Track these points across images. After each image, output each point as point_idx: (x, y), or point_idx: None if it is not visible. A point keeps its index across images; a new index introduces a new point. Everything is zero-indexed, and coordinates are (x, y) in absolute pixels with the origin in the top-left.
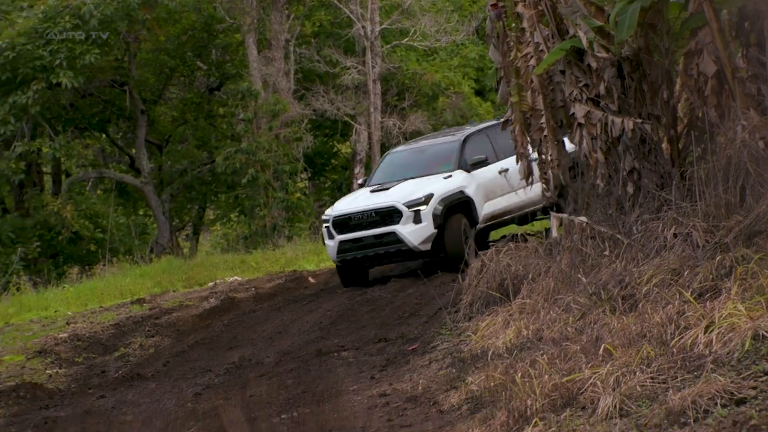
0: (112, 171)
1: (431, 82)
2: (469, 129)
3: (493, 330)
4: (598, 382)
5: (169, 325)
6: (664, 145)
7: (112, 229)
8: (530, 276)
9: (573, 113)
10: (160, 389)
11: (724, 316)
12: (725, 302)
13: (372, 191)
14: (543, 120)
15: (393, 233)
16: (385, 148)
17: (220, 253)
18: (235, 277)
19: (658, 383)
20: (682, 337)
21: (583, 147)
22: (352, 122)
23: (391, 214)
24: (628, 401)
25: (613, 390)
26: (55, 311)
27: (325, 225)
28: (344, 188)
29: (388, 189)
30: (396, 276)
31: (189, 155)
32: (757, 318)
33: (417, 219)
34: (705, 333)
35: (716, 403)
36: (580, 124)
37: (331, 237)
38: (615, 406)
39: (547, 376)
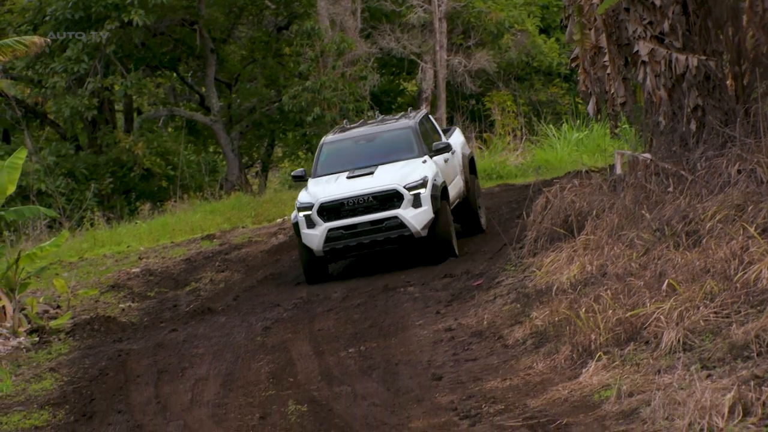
0: (182, 109)
1: (496, 20)
2: (413, 116)
3: (557, 266)
4: (662, 317)
5: (239, 260)
6: (729, 82)
7: (182, 166)
8: (594, 212)
9: (637, 51)
10: (230, 323)
11: None
12: None
13: (349, 177)
14: (606, 58)
15: (395, 218)
16: (450, 86)
17: (289, 189)
18: None
19: (722, 318)
20: (745, 272)
21: (646, 84)
22: (418, 60)
23: (391, 198)
24: (691, 335)
25: (677, 324)
26: (128, 246)
27: (303, 213)
28: None
29: (372, 173)
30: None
31: (257, 93)
32: None
33: (417, 203)
34: None
35: None
36: (644, 62)
37: (311, 225)
38: (678, 340)
39: (611, 311)
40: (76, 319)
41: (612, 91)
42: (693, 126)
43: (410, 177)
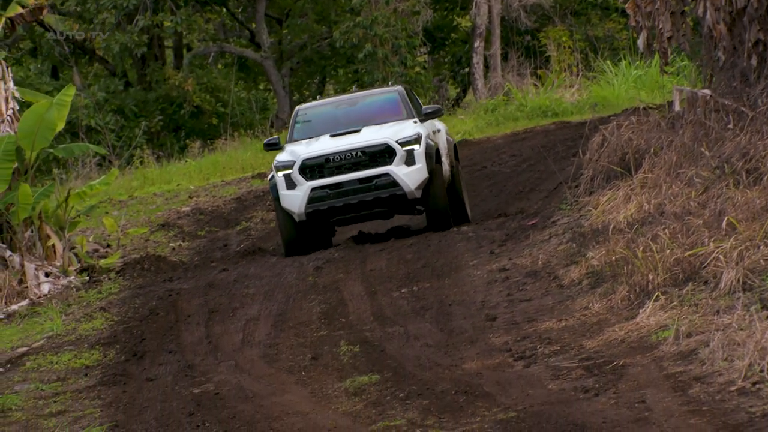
0: (232, 45)
1: None
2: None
3: (614, 204)
4: (721, 257)
5: None
6: None
7: (233, 103)
8: (652, 150)
9: None
10: (281, 263)
11: None
12: None
13: (333, 136)
14: None
15: (386, 175)
16: (505, 22)
17: None
18: None
19: None
20: None
21: (706, 19)
22: None
23: (383, 153)
24: (751, 275)
25: (737, 264)
26: (178, 185)
27: (283, 172)
28: (463, 62)
29: (359, 131)
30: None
31: (308, 29)
32: None
33: (410, 160)
34: None
35: None
36: None
37: (291, 186)
38: (738, 280)
39: (669, 251)
40: (126, 258)
41: (660, 26)
42: (754, 61)
43: (402, 132)
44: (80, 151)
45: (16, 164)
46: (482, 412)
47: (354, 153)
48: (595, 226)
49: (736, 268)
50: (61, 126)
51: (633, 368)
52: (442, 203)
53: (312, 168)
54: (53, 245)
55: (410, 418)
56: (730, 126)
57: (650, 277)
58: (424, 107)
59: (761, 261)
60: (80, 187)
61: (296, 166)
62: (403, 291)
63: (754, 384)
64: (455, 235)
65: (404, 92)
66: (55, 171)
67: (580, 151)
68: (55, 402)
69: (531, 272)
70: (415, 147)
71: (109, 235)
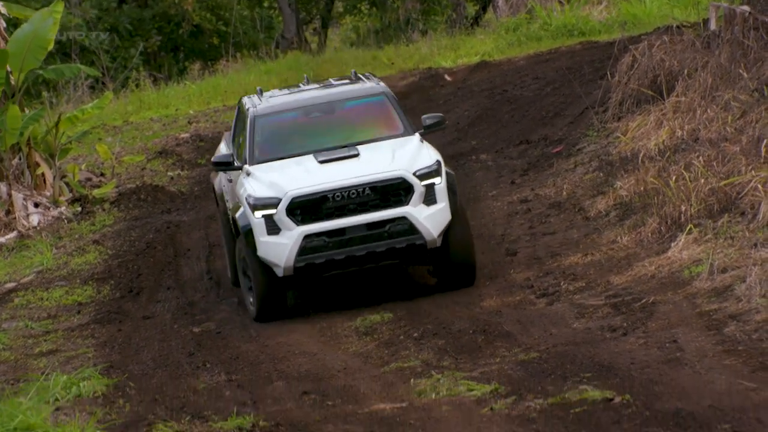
0: None
1: None
2: (371, 79)
3: (644, 131)
4: (759, 186)
5: None
6: None
7: (235, 22)
8: (686, 72)
9: None
10: None
11: None
12: None
13: (323, 161)
14: None
15: (403, 219)
16: None
17: (350, 48)
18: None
19: None
20: None
21: None
22: None
23: (396, 191)
24: None
25: None
26: (176, 109)
27: (262, 212)
28: None
29: (357, 156)
30: None
31: None
32: None
33: (430, 198)
34: None
35: None
36: None
37: (274, 231)
38: None
39: (703, 180)
40: (121, 187)
41: None
42: None
43: (419, 161)
44: (71, 73)
45: (2, 87)
46: (502, 353)
47: (361, 189)
48: (623, 154)
49: None
50: (50, 46)
51: (664, 306)
52: (468, 255)
53: (305, 208)
54: (43, 174)
55: (425, 358)
56: None
57: (683, 208)
58: (424, 117)
59: None
60: (72, 112)
61: (282, 205)
62: None
63: None
64: (473, 164)
65: (389, 91)
66: (45, 94)
67: (608, 73)
68: (45, 341)
69: (554, 203)
70: (436, 180)
71: (102, 163)
